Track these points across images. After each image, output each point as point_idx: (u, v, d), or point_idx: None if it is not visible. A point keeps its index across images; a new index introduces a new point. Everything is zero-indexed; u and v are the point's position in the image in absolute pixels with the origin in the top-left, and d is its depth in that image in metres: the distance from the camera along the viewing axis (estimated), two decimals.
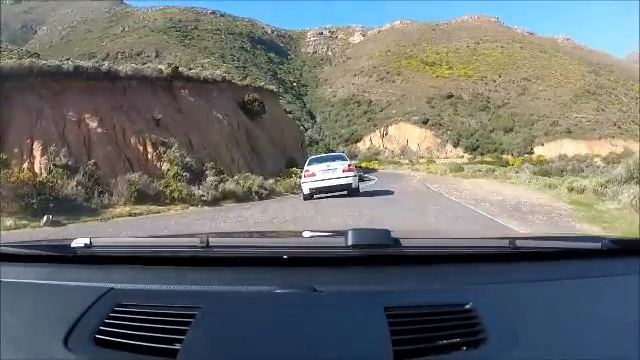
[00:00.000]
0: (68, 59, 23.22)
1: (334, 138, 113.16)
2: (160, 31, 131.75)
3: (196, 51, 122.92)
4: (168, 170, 19.33)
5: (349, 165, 15.29)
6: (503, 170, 31.89)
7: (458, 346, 0.91)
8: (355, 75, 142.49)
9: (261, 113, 34.37)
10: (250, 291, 1.12)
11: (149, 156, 20.69)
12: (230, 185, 19.22)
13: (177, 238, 1.92)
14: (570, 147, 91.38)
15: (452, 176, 33.22)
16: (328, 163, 15.11)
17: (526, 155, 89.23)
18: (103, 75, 23.08)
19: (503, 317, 0.97)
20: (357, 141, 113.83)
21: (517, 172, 30.21)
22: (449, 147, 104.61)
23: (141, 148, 20.76)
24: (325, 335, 0.92)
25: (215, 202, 18.03)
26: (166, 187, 16.84)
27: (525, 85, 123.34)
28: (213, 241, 1.28)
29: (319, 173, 14.75)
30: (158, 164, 20.37)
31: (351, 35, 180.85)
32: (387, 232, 1.23)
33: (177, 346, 0.90)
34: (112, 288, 1.15)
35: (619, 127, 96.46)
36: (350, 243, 1.18)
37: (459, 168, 37.51)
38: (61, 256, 1.34)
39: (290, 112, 77.14)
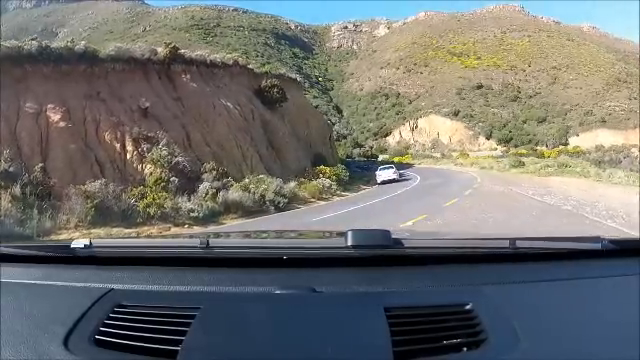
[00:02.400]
0: (34, 39, 18.48)
1: (362, 132, 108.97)
2: (182, 29, 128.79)
3: (219, 48, 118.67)
4: (151, 174, 14.21)
5: (394, 170, 31.68)
6: (581, 166, 25.78)
7: (458, 347, 0.92)
8: (382, 68, 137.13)
9: (281, 101, 29.04)
10: (250, 292, 1.13)
11: (128, 156, 15.64)
12: (234, 193, 14.01)
13: (177, 239, 1.87)
14: (606, 137, 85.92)
15: (514, 173, 27.51)
16: (385, 170, 31.81)
17: (561, 146, 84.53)
18: (78, 57, 18.31)
19: (503, 318, 0.97)
20: (386, 135, 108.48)
21: (595, 167, 24.64)
22: (481, 139, 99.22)
23: (118, 145, 15.73)
24: (325, 336, 0.92)
25: (212, 218, 12.93)
26: (141, 199, 11.79)
27: (555, 74, 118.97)
28: (213, 242, 1.29)
29: (383, 173, 30.97)
30: (139, 166, 15.31)
31: (376, 28, 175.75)
32: (387, 233, 1.22)
33: (177, 347, 0.91)
34: (112, 289, 1.16)
35: None
36: (350, 244, 1.18)
37: (520, 163, 31.90)
38: (61, 257, 1.35)
39: (317, 107, 72.68)
